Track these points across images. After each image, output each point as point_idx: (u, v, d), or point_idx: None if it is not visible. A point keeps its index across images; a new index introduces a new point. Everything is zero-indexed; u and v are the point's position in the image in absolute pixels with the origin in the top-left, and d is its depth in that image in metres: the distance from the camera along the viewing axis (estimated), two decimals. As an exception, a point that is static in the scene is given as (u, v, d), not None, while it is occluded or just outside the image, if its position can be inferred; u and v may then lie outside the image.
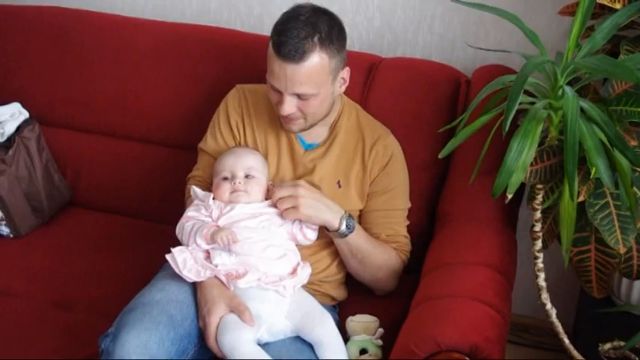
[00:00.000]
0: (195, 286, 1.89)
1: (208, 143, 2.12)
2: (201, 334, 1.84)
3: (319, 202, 1.95)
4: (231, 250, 1.86)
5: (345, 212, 1.97)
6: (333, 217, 1.95)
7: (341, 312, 2.08)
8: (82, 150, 2.57)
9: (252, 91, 2.13)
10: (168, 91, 2.43)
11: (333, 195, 2.02)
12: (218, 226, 1.88)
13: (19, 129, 2.49)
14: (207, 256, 1.89)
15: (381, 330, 1.96)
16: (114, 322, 1.80)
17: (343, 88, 2.01)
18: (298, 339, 1.86)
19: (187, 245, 1.91)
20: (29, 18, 2.59)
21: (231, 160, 2.00)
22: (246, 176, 1.97)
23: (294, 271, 1.90)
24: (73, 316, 2.08)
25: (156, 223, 2.46)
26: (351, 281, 2.12)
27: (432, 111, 2.20)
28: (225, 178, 1.98)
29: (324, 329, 1.84)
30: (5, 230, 2.40)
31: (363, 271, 2.07)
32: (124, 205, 2.54)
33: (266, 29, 2.51)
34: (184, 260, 1.87)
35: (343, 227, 1.96)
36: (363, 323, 1.97)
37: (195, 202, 2.00)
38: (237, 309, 1.81)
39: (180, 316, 1.82)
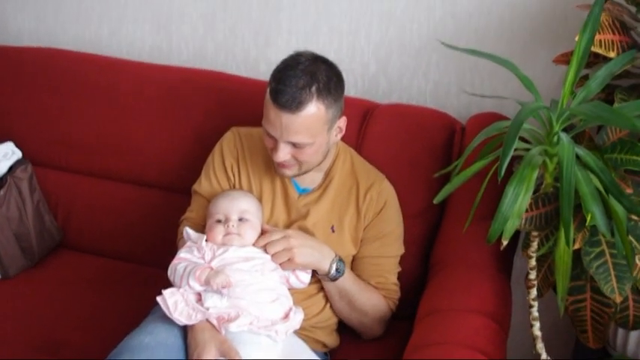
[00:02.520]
0: (185, 329, 1.87)
1: (203, 185, 2.11)
2: None
3: (312, 249, 1.94)
4: (224, 293, 1.84)
5: (336, 255, 1.96)
6: (325, 261, 1.95)
7: (334, 355, 2.05)
8: (74, 191, 2.55)
9: (248, 134, 2.13)
10: (163, 134, 2.42)
11: (327, 240, 2.01)
12: (212, 268, 1.86)
13: (11, 169, 2.47)
14: (199, 298, 1.87)
15: (373, 377, 1.94)
16: None
17: (339, 136, 2.00)
18: None
19: (179, 287, 1.88)
20: (26, 59, 2.60)
21: (226, 202, 1.99)
22: (240, 219, 1.96)
23: (286, 316, 1.88)
24: (59, 360, 2.05)
25: (147, 266, 2.44)
26: (342, 328, 2.10)
27: (426, 157, 2.19)
28: (219, 221, 1.96)
29: None
30: (-7, 271, 2.38)
31: (349, 314, 2.05)
32: (114, 248, 2.52)
33: (262, 74, 2.53)
34: (175, 303, 1.85)
35: (333, 271, 1.95)
36: (355, 370, 1.95)
37: (188, 243, 1.98)
38: (228, 354, 1.78)
39: None
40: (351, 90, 2.50)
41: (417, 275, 2.17)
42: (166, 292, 1.87)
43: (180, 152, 2.40)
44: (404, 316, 2.12)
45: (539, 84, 1.92)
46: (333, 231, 2.04)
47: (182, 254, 1.94)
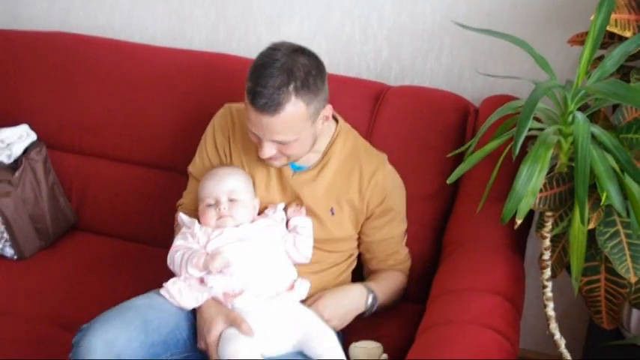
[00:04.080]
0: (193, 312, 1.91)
1: (196, 166, 2.12)
2: (181, 343, 1.87)
3: (345, 311, 1.98)
4: (225, 273, 1.86)
5: (367, 303, 2.00)
6: (361, 307, 2.00)
7: (345, 339, 2.03)
8: (88, 174, 2.57)
9: (241, 110, 2.07)
10: (176, 117, 2.43)
11: (326, 222, 2.01)
12: (207, 253, 1.87)
13: (26, 151, 2.49)
14: (202, 281, 1.89)
15: (385, 355, 1.94)
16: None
17: (326, 124, 1.97)
18: (301, 354, 1.85)
19: (180, 275, 1.91)
20: (39, 43, 2.61)
21: (213, 185, 1.98)
22: (230, 200, 1.95)
23: (291, 287, 1.90)
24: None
25: (159, 247, 2.39)
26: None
27: (439, 140, 2.19)
28: (210, 205, 1.96)
29: (325, 345, 1.82)
30: (9, 252, 2.39)
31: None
32: (127, 229, 2.53)
33: (275, 57, 2.53)
34: (179, 290, 1.88)
35: (367, 314, 2.01)
36: (366, 349, 1.95)
37: (183, 229, 1.99)
38: (235, 322, 1.81)
39: (158, 323, 1.83)
40: (363, 74, 2.51)
41: (430, 257, 2.17)
42: (168, 284, 1.90)
43: (193, 134, 2.38)
44: (418, 299, 2.13)
45: (553, 66, 1.92)
46: (333, 213, 2.03)
47: (177, 242, 1.96)
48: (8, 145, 2.47)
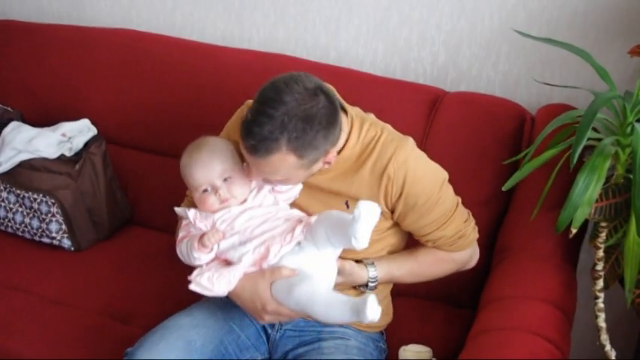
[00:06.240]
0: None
1: None
2: (226, 357, 1.86)
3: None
4: (242, 240, 1.80)
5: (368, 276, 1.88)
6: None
7: (394, 339, 2.04)
8: (145, 169, 2.62)
9: None
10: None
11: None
12: (205, 233, 1.82)
13: (87, 145, 2.55)
14: (226, 263, 1.83)
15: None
16: (137, 340, 1.83)
17: (327, 165, 1.81)
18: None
19: (194, 265, 1.86)
20: (102, 40, 2.68)
21: (202, 172, 1.86)
22: (225, 180, 1.85)
23: (300, 221, 1.82)
24: (129, 330, 2.10)
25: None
26: (402, 311, 2.10)
27: (495, 146, 2.19)
28: (206, 191, 1.85)
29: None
30: (67, 243, 2.44)
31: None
32: (182, 225, 2.56)
33: (332, 60, 2.56)
34: (209, 279, 1.78)
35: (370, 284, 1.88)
36: (416, 353, 1.96)
37: (183, 223, 1.94)
38: (274, 275, 1.75)
39: (201, 342, 1.83)
40: (419, 79, 2.51)
41: (482, 262, 2.16)
42: (194, 275, 1.81)
43: (249, 134, 2.43)
44: (468, 304, 2.13)
45: (612, 76, 1.91)
46: (348, 207, 1.87)
47: (180, 234, 1.91)
48: (70, 138, 2.53)
